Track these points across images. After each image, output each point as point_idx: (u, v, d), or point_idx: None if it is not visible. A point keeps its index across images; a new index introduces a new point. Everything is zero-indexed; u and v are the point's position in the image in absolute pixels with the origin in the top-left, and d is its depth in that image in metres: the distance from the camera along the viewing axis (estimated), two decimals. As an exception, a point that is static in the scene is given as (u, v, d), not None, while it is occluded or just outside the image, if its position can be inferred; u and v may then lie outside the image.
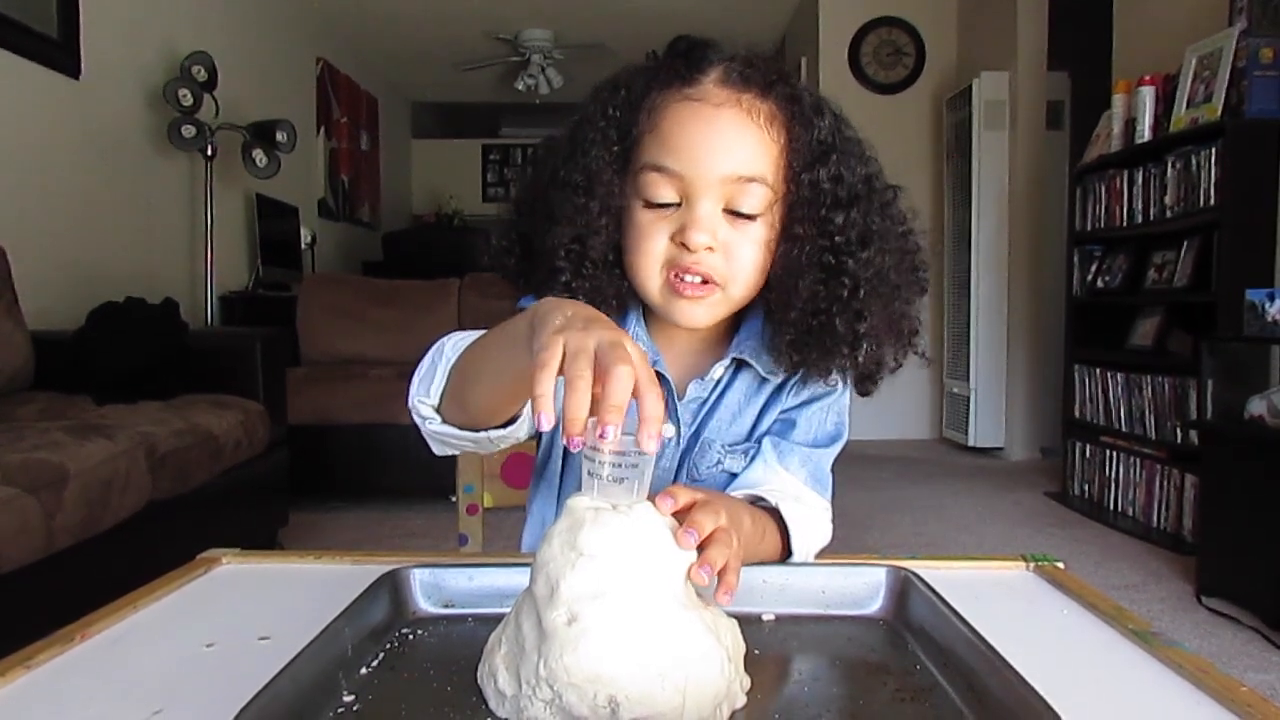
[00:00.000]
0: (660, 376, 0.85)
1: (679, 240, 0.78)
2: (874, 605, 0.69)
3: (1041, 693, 0.48)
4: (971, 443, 4.93)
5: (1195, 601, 2.52)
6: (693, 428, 0.88)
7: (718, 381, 0.88)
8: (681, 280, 0.79)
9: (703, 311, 0.81)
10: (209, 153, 3.90)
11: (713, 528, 0.56)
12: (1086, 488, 3.76)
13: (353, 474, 3.62)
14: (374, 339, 4.14)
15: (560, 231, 0.80)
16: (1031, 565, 0.81)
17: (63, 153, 3.25)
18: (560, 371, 0.53)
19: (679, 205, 0.79)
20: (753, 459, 0.87)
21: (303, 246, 5.32)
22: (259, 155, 4.07)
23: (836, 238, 0.79)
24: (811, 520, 0.80)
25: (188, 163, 4.04)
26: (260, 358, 2.83)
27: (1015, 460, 4.80)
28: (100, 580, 1.83)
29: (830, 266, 0.79)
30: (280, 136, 4.09)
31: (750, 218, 0.79)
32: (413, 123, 8.52)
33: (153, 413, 2.28)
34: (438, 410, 0.74)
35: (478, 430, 0.73)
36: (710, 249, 0.78)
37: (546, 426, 0.52)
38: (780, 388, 0.89)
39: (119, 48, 3.58)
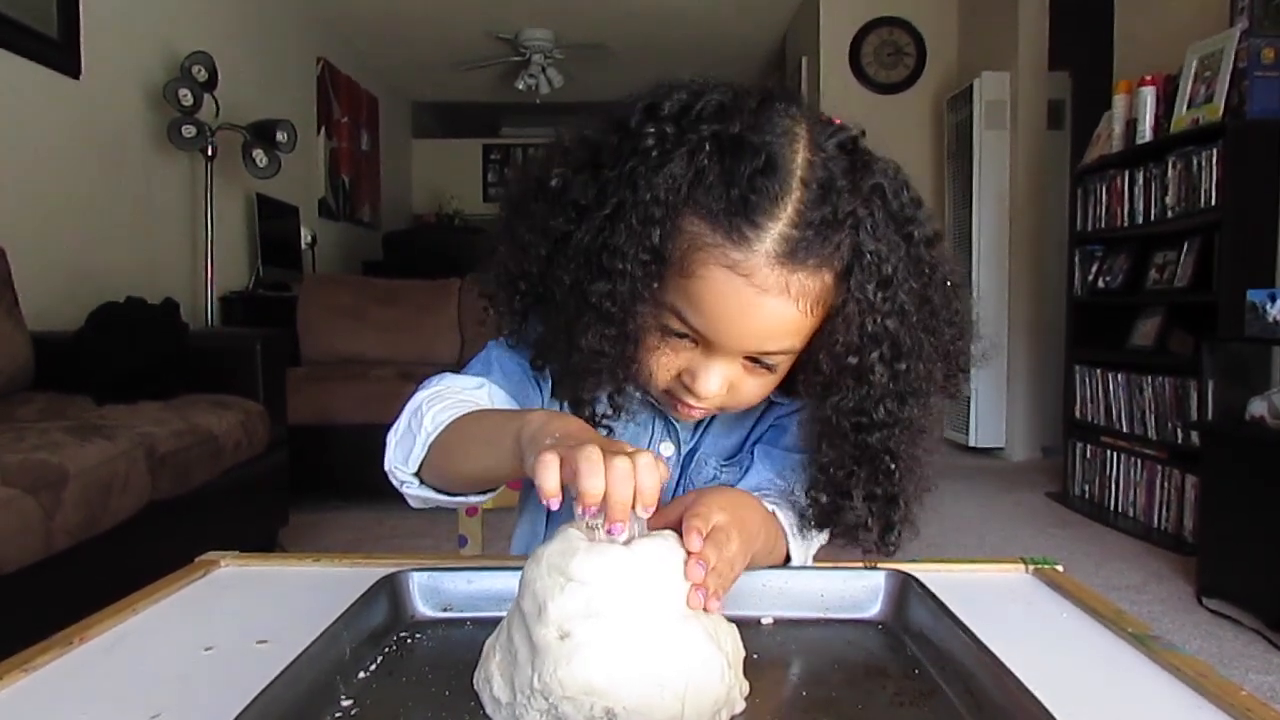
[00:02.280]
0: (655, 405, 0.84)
1: (686, 382, 0.73)
2: (873, 609, 0.69)
3: (1040, 698, 0.48)
4: (972, 443, 4.93)
5: (1196, 602, 2.52)
6: (690, 444, 0.88)
7: None
8: (683, 404, 0.76)
9: (699, 415, 0.80)
10: (209, 153, 3.90)
11: (715, 560, 0.56)
12: (1087, 488, 3.75)
13: (353, 474, 3.61)
14: (374, 339, 4.14)
15: (588, 366, 0.72)
16: (1031, 568, 0.81)
17: (63, 153, 3.25)
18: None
19: (695, 341, 0.71)
20: (747, 470, 0.85)
21: (303, 246, 5.32)
22: (259, 155, 4.07)
23: (876, 431, 0.71)
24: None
25: (188, 163, 4.04)
26: (260, 358, 2.83)
27: (1016, 460, 4.80)
28: (100, 581, 1.83)
29: (866, 448, 0.72)
30: (280, 136, 4.09)
31: (769, 368, 0.73)
32: (413, 122, 8.52)
33: (153, 413, 2.28)
34: (416, 475, 0.75)
35: (455, 496, 0.76)
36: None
37: (555, 506, 0.53)
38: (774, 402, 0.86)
39: (119, 48, 3.58)
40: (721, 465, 0.87)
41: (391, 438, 0.76)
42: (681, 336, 0.71)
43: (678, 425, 0.86)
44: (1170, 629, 2.32)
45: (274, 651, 0.61)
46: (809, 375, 0.73)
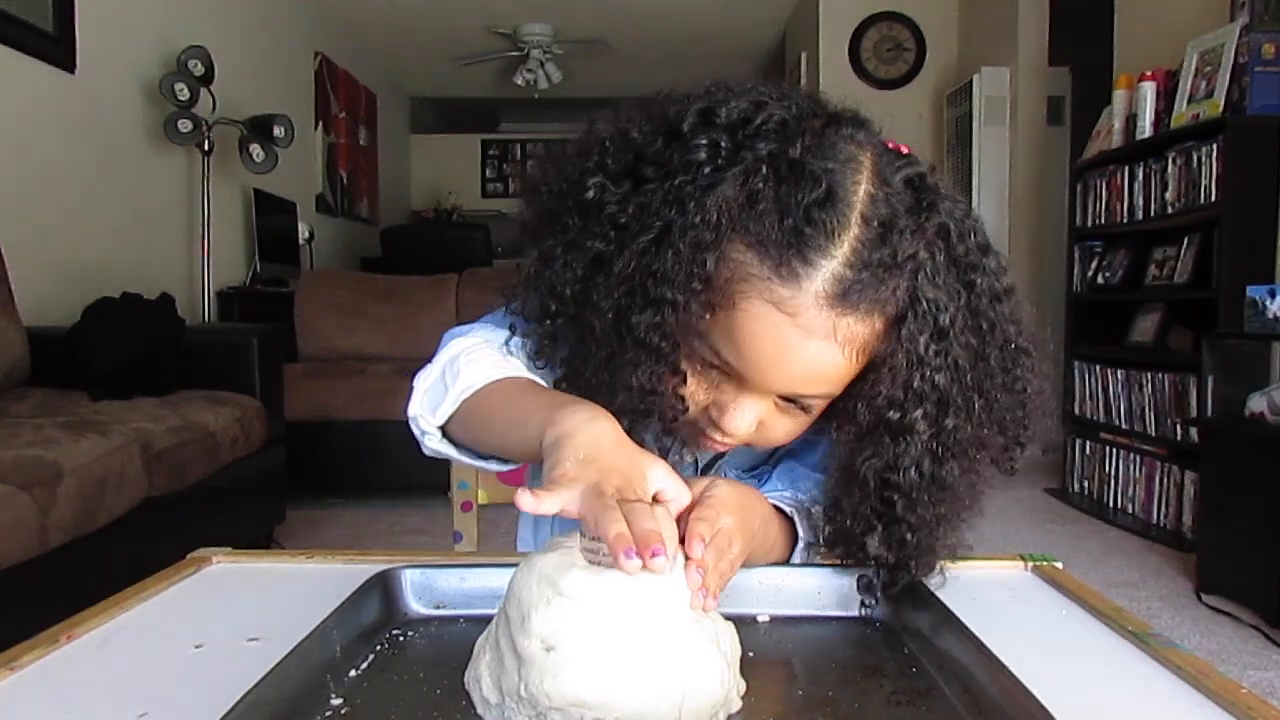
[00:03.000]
0: None
1: (714, 416, 0.69)
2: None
3: (1039, 697, 0.48)
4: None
5: (1195, 599, 2.52)
6: (707, 456, 0.84)
7: None
8: (708, 438, 0.71)
9: (720, 449, 0.75)
10: (206, 147, 3.89)
11: (714, 564, 0.56)
12: (1086, 484, 3.75)
13: (350, 471, 3.62)
14: (372, 335, 4.13)
15: (633, 402, 0.66)
16: (1030, 565, 0.80)
17: (58, 148, 3.23)
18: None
19: (727, 375, 0.67)
20: (765, 483, 0.83)
21: (301, 242, 5.30)
22: (256, 150, 4.05)
23: (901, 495, 0.65)
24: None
25: (185, 157, 4.03)
26: (257, 354, 2.82)
27: (1014, 457, 4.79)
28: (95, 578, 1.83)
29: (890, 506, 0.66)
30: (277, 131, 4.07)
31: (803, 409, 0.69)
32: (411, 118, 8.50)
33: (148, 409, 2.28)
34: (439, 427, 0.73)
35: (480, 458, 0.73)
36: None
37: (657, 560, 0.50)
38: None
39: (114, 42, 3.57)
40: (741, 476, 0.85)
41: (420, 383, 0.73)
42: (713, 368, 0.66)
43: None
44: (1169, 625, 2.32)
45: (264, 649, 0.60)
46: (843, 422, 0.68)
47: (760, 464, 0.86)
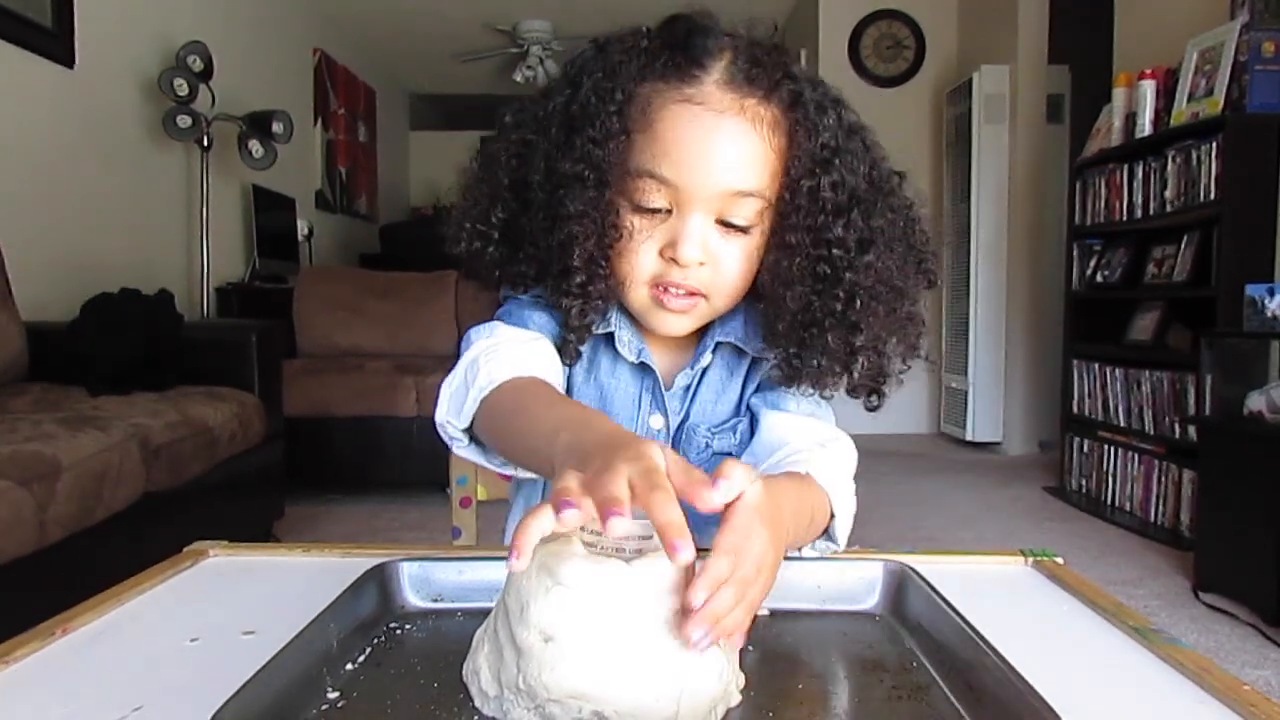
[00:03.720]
0: (646, 368, 0.84)
1: (669, 255, 0.75)
2: (870, 600, 0.68)
3: (1040, 691, 0.47)
4: (970, 437, 4.93)
5: (1192, 597, 2.52)
6: (680, 416, 0.86)
7: (703, 367, 0.86)
8: (667, 293, 0.77)
9: (684, 323, 0.80)
10: (205, 143, 3.88)
11: (726, 577, 0.49)
12: (1084, 483, 3.75)
13: (349, 466, 3.61)
14: (371, 331, 4.13)
15: (576, 229, 0.73)
16: (1030, 560, 0.80)
17: (57, 143, 3.22)
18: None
19: (669, 211, 0.75)
20: (742, 435, 0.85)
21: (300, 238, 5.29)
22: (255, 146, 4.04)
23: (834, 249, 0.74)
24: (839, 459, 0.77)
25: (183, 153, 4.02)
26: (256, 350, 2.82)
27: (1013, 455, 4.80)
28: (93, 573, 1.82)
29: (824, 276, 0.75)
30: (276, 127, 4.07)
31: (743, 229, 0.75)
32: (410, 115, 8.49)
33: (147, 404, 2.27)
34: (467, 431, 0.73)
35: (508, 465, 0.74)
36: (700, 263, 0.75)
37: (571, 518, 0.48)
38: (758, 360, 0.86)
39: (114, 37, 3.56)
40: (713, 432, 0.86)
41: (445, 389, 0.74)
42: (654, 211, 0.74)
43: (665, 395, 0.85)
44: (1167, 623, 2.32)
45: (260, 642, 0.59)
46: (774, 235, 0.76)
47: (732, 416, 0.87)
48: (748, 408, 0.87)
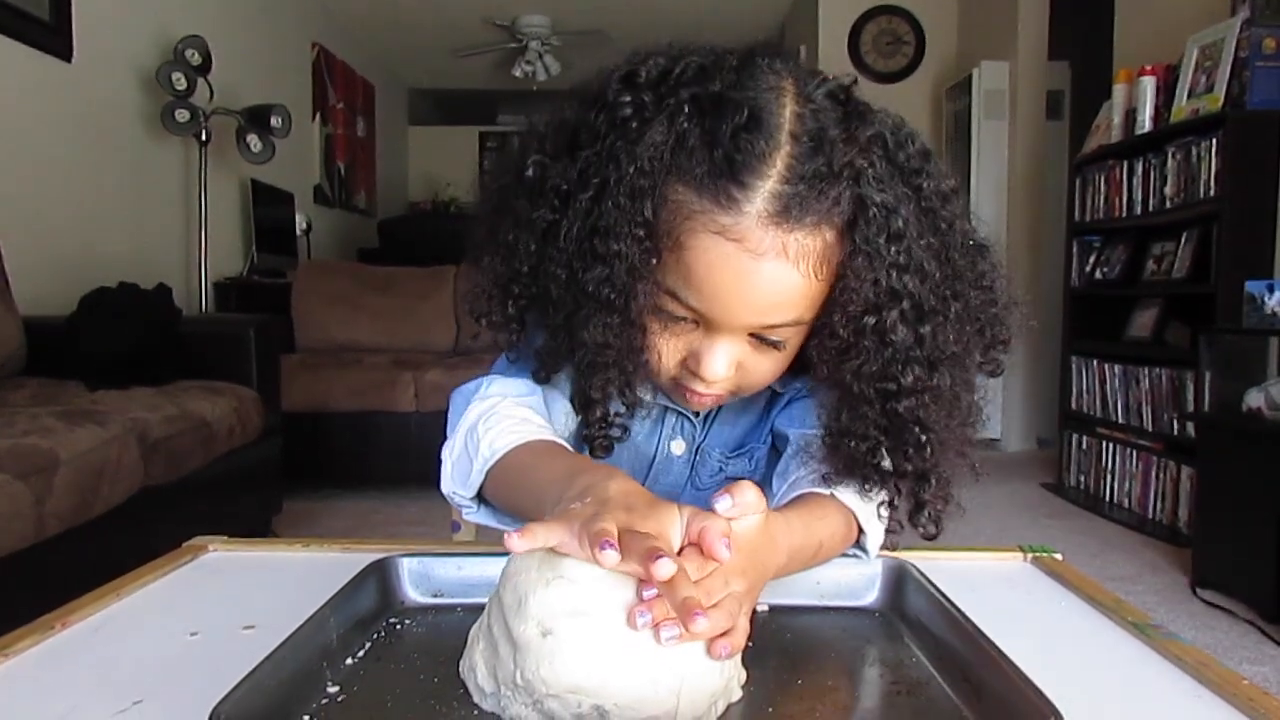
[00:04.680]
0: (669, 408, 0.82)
1: (692, 366, 0.69)
2: (869, 596, 0.68)
3: (1039, 686, 0.47)
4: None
5: (1190, 593, 2.52)
6: (700, 439, 0.85)
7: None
8: (691, 394, 0.71)
9: (711, 404, 0.75)
10: (203, 137, 3.87)
11: (718, 598, 0.50)
12: (1083, 479, 3.75)
13: (347, 461, 3.61)
14: (369, 326, 4.12)
15: (595, 362, 0.68)
16: (1029, 556, 0.80)
17: (55, 137, 3.21)
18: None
19: (696, 323, 0.67)
20: (757, 460, 0.83)
21: (298, 233, 5.28)
22: (253, 140, 4.03)
23: (903, 400, 0.64)
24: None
25: (182, 147, 4.01)
26: (254, 344, 2.82)
27: (1011, 451, 4.80)
28: (91, 567, 1.81)
29: (893, 420, 0.65)
30: (275, 122, 4.06)
31: (775, 345, 0.67)
32: (409, 109, 8.48)
33: (145, 399, 2.27)
34: (475, 498, 0.72)
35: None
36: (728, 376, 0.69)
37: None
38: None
39: (111, 31, 3.55)
40: (727, 457, 0.84)
41: (447, 457, 0.72)
42: (681, 320, 0.67)
43: (691, 419, 0.83)
44: (1165, 620, 2.32)
45: (260, 637, 0.59)
46: (823, 342, 0.66)
47: (749, 441, 0.84)
48: (771, 432, 0.83)
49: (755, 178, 0.60)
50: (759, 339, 0.67)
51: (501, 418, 0.71)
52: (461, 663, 0.54)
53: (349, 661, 0.57)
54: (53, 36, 3.16)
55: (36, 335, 2.55)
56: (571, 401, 0.77)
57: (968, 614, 0.58)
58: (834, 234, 0.62)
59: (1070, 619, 0.67)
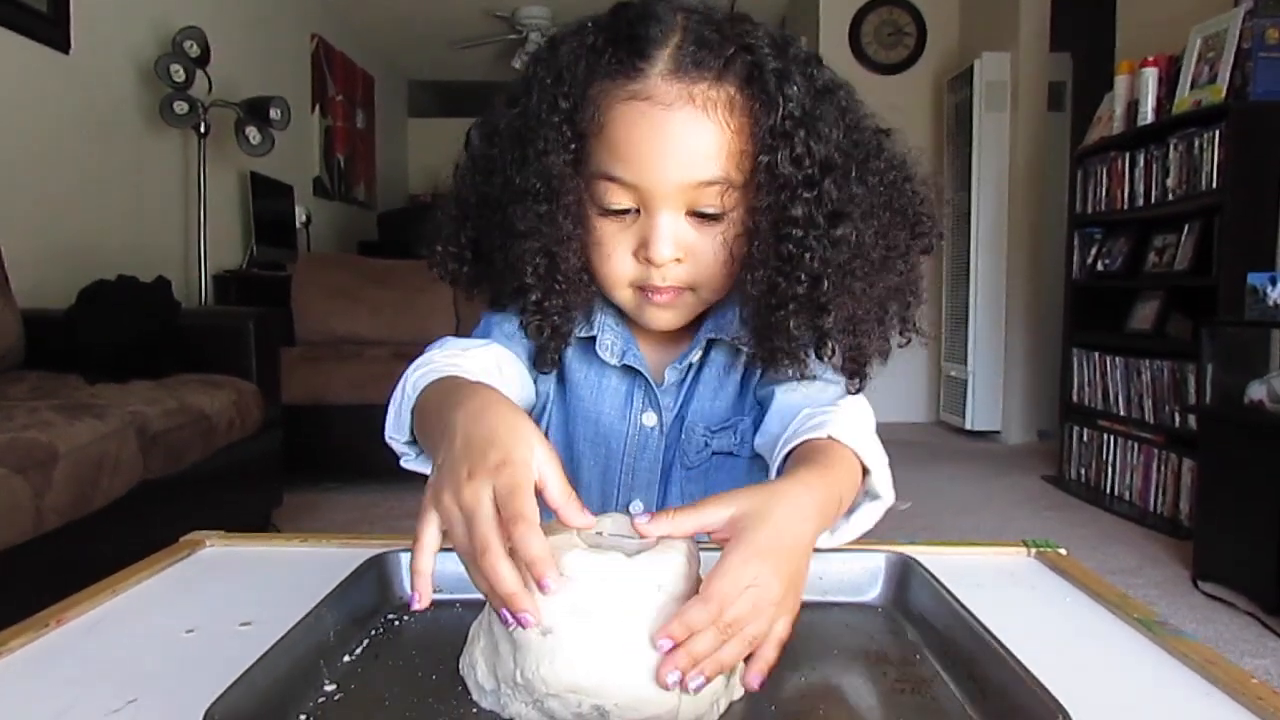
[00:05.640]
0: (633, 370, 0.82)
1: (642, 256, 0.73)
2: (873, 592, 0.68)
3: (1045, 684, 0.47)
4: (968, 426, 4.93)
5: (1192, 586, 2.52)
6: (674, 413, 0.84)
7: (693, 363, 0.83)
8: (650, 293, 0.75)
9: (674, 316, 0.77)
10: (202, 130, 3.86)
11: (703, 624, 0.46)
12: (1084, 471, 3.75)
13: (348, 454, 3.60)
14: (369, 319, 4.11)
15: (526, 246, 0.72)
16: (1033, 551, 0.79)
17: (53, 129, 3.20)
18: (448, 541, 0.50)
19: (637, 211, 0.72)
20: (742, 435, 0.82)
21: (298, 225, 5.27)
22: (252, 132, 4.02)
23: (795, 228, 0.69)
24: (856, 413, 0.70)
25: (180, 140, 4.00)
26: (254, 337, 2.81)
27: (1012, 444, 4.80)
28: (90, 561, 1.80)
29: (787, 257, 0.70)
30: (274, 114, 4.04)
31: (714, 217, 0.72)
32: (409, 101, 8.45)
33: (144, 392, 2.26)
34: (412, 444, 0.71)
35: None
36: (676, 259, 0.72)
37: (418, 605, 0.49)
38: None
39: (109, 22, 3.53)
40: (711, 432, 0.83)
41: (392, 404, 0.73)
42: (623, 212, 0.72)
43: (655, 386, 0.82)
44: (1166, 613, 2.28)
45: (257, 634, 0.59)
46: (747, 195, 0.71)
47: (732, 416, 0.83)
48: (756, 402, 0.83)
49: (655, 47, 0.69)
50: (696, 215, 0.71)
51: (438, 361, 0.71)
52: (461, 660, 0.54)
53: (346, 659, 0.56)
54: (50, 28, 3.15)
55: (35, 328, 2.54)
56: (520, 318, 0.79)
57: (972, 610, 0.58)
58: (735, 89, 0.69)
59: (1075, 615, 0.66)
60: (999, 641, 0.52)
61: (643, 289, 0.75)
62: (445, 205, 0.81)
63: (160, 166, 3.92)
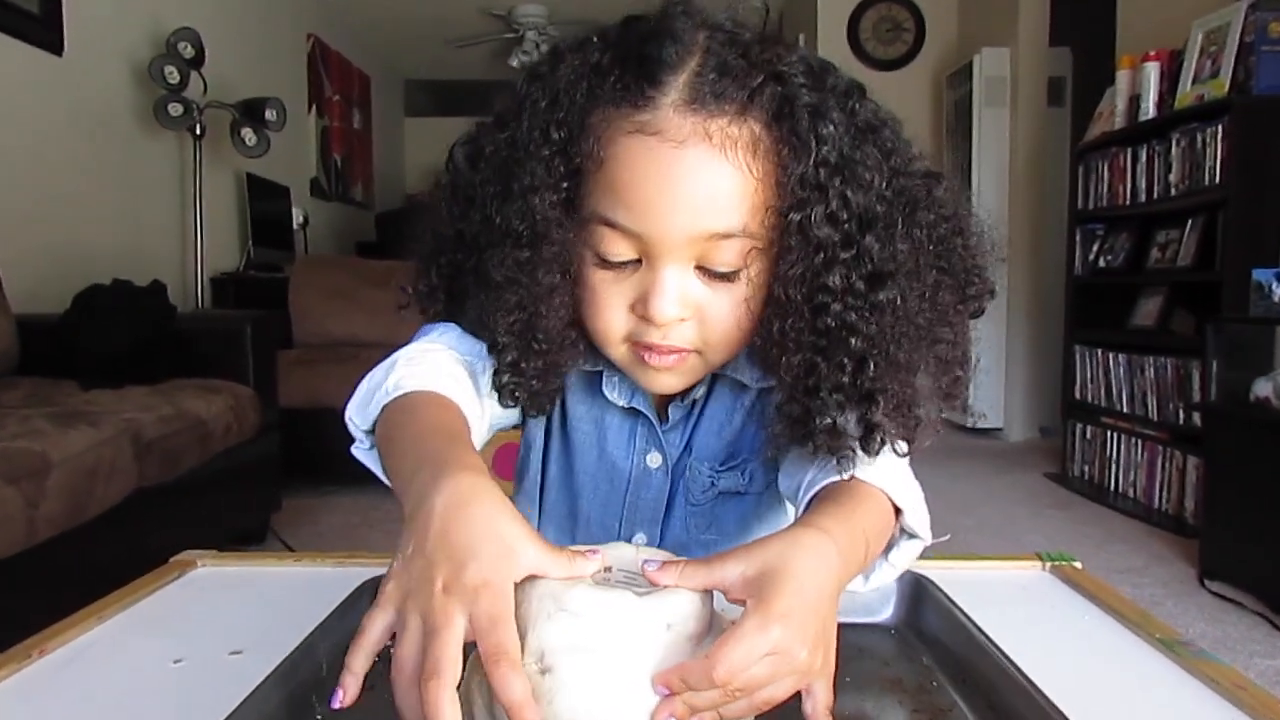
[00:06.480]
0: (637, 412, 0.76)
1: (640, 311, 0.62)
2: (885, 612, 0.66)
3: (1068, 716, 0.45)
4: (970, 423, 4.90)
5: (1198, 585, 2.50)
6: (679, 450, 0.77)
7: (696, 400, 0.76)
8: (650, 352, 0.65)
9: (675, 380, 0.68)
10: (197, 131, 3.83)
11: (702, 686, 0.43)
12: (1087, 469, 3.73)
13: (347, 458, 3.51)
14: (367, 321, 4.09)
15: (502, 299, 0.63)
16: (1048, 565, 0.77)
17: (46, 132, 3.18)
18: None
19: (639, 261, 0.62)
20: (751, 475, 0.77)
21: (295, 227, 5.25)
22: (248, 134, 3.99)
23: (834, 301, 0.59)
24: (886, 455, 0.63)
25: (176, 142, 3.97)
26: (250, 340, 2.78)
27: (1014, 441, 4.78)
28: (86, 571, 1.79)
29: (826, 332, 0.60)
30: (270, 115, 4.01)
31: (728, 276, 0.61)
32: (406, 101, 8.42)
33: (139, 398, 2.24)
34: (370, 434, 0.64)
35: None
36: (681, 319, 0.63)
37: (338, 704, 0.45)
38: (764, 390, 0.73)
39: (103, 23, 3.50)
40: (717, 471, 0.78)
41: (365, 381, 0.65)
42: (622, 264, 0.62)
43: (657, 425, 0.76)
44: (1173, 613, 2.30)
45: (247, 664, 0.57)
46: (771, 254, 0.61)
47: (740, 453, 0.77)
48: (765, 443, 0.76)
49: (668, 73, 0.58)
50: (707, 272, 0.61)
51: (429, 361, 0.64)
52: (460, 688, 0.52)
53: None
54: (43, 30, 3.12)
55: (29, 334, 2.52)
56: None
57: (988, 631, 0.56)
58: (761, 126, 0.59)
59: (1094, 635, 0.64)
60: (1018, 668, 0.50)
61: (640, 346, 0.65)
62: (420, 233, 0.72)
63: (155, 169, 3.90)
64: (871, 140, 0.61)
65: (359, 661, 0.45)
